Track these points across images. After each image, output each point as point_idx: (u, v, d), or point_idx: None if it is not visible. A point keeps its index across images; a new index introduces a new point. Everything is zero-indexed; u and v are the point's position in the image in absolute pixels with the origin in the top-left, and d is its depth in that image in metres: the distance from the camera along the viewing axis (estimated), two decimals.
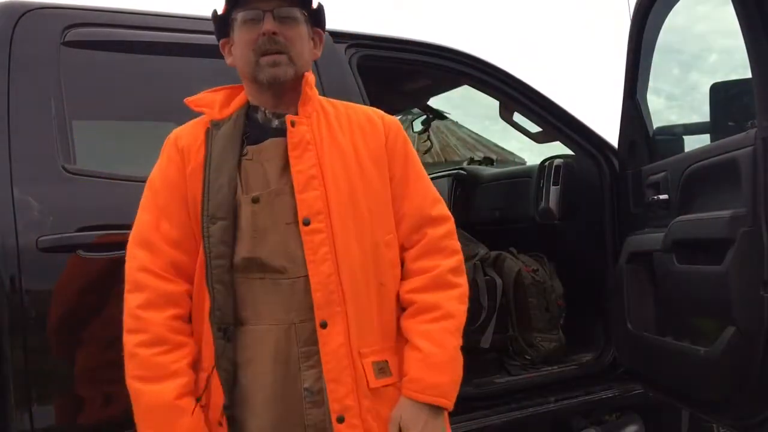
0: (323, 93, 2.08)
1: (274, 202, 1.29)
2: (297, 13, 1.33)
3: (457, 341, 1.33)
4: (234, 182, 1.28)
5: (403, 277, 1.37)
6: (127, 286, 1.29)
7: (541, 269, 2.82)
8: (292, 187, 1.28)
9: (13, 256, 1.55)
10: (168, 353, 1.25)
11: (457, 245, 1.39)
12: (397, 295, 1.36)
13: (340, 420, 1.24)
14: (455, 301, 1.34)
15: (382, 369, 1.31)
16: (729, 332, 1.71)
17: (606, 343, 2.61)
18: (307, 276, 1.27)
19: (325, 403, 1.26)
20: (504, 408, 2.33)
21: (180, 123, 1.42)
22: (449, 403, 1.30)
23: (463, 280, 1.37)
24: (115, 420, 1.63)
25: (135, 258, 1.29)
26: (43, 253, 1.59)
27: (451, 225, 1.40)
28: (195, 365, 1.29)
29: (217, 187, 1.28)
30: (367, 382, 1.28)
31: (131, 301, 1.27)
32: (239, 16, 1.31)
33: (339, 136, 1.34)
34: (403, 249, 1.38)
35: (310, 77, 1.37)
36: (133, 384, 1.24)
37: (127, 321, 1.26)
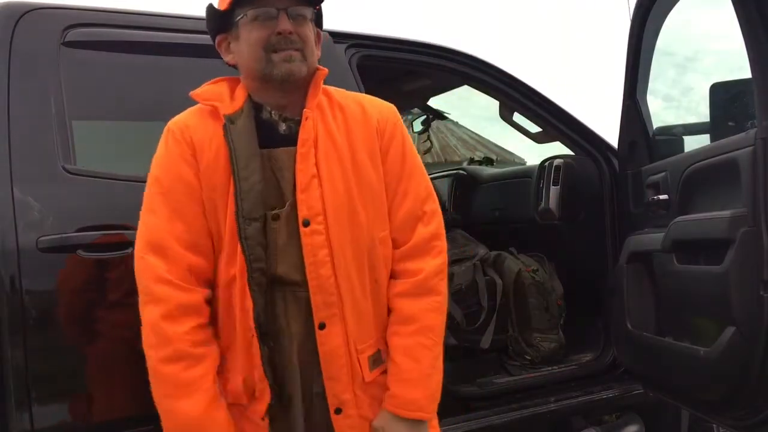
0: None
1: (290, 217, 1.28)
2: (308, 12, 1.32)
3: (434, 354, 1.34)
4: (262, 183, 1.26)
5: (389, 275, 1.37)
6: (142, 298, 1.25)
7: (541, 269, 2.82)
8: None
9: (13, 256, 1.55)
10: (191, 368, 1.23)
11: (444, 244, 1.39)
12: (385, 292, 1.37)
13: (338, 412, 1.29)
14: (434, 313, 1.34)
15: (375, 360, 1.33)
16: (729, 332, 1.70)
17: (606, 343, 2.61)
18: None
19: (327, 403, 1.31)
20: (504, 408, 2.33)
21: None
22: (427, 416, 1.33)
23: (444, 286, 1.37)
24: (116, 420, 1.63)
25: (149, 267, 1.25)
26: (43, 253, 1.59)
27: (440, 219, 1.40)
28: (218, 370, 1.29)
29: (249, 186, 1.24)
30: (363, 377, 1.31)
31: (149, 314, 1.24)
32: (250, 13, 1.28)
33: (335, 132, 1.32)
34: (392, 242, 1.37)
35: (326, 71, 1.35)
36: (162, 402, 1.24)
37: (148, 335, 1.24)
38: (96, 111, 1.95)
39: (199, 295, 1.27)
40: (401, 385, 1.31)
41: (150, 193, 1.30)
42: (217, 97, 1.32)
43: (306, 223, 1.25)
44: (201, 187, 1.27)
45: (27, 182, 1.62)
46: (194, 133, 1.30)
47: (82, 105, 1.82)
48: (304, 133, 1.29)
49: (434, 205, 1.40)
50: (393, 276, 1.37)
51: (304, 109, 1.31)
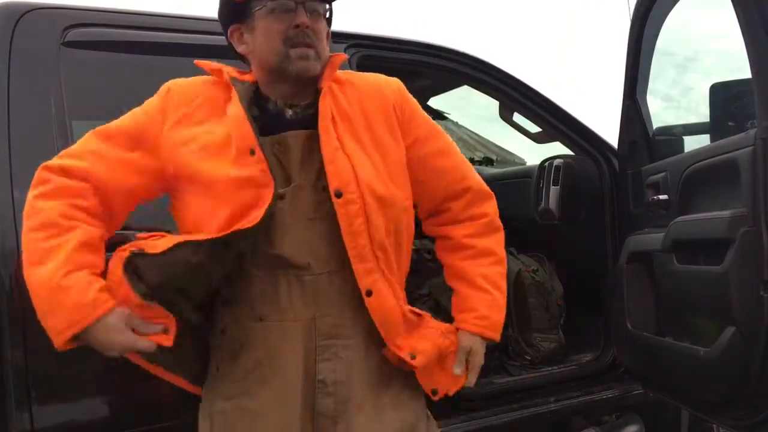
0: None
1: (296, 198, 1.29)
2: (323, 8, 1.34)
3: (506, 282, 1.50)
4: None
5: (451, 222, 1.48)
6: (32, 181, 1.28)
7: (541, 269, 2.82)
8: (312, 181, 1.29)
9: (13, 256, 1.55)
10: (53, 237, 1.20)
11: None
12: (406, 253, 1.42)
13: (413, 357, 1.35)
14: (502, 246, 1.51)
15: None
16: (729, 332, 1.70)
17: (606, 343, 2.61)
18: (329, 272, 1.30)
19: (338, 393, 1.30)
20: (504, 408, 2.33)
21: None
22: (499, 338, 1.49)
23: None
24: (115, 420, 1.63)
25: (52, 162, 1.28)
26: None
27: None
28: (97, 242, 1.25)
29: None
30: (418, 325, 1.41)
31: (31, 192, 1.26)
32: (268, 5, 1.29)
33: (347, 108, 1.35)
34: (447, 197, 1.46)
35: (344, 56, 1.39)
36: (24, 270, 1.22)
37: (25, 208, 1.25)
38: (96, 111, 1.94)
39: (82, 184, 1.26)
40: (491, 309, 1.44)
41: (113, 122, 1.35)
42: (221, 66, 1.36)
43: (338, 194, 1.26)
44: (161, 142, 1.29)
45: (27, 182, 1.61)
46: (187, 90, 1.34)
47: (82, 105, 1.82)
48: (323, 108, 1.31)
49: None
50: (457, 221, 1.47)
51: (322, 84, 1.33)
